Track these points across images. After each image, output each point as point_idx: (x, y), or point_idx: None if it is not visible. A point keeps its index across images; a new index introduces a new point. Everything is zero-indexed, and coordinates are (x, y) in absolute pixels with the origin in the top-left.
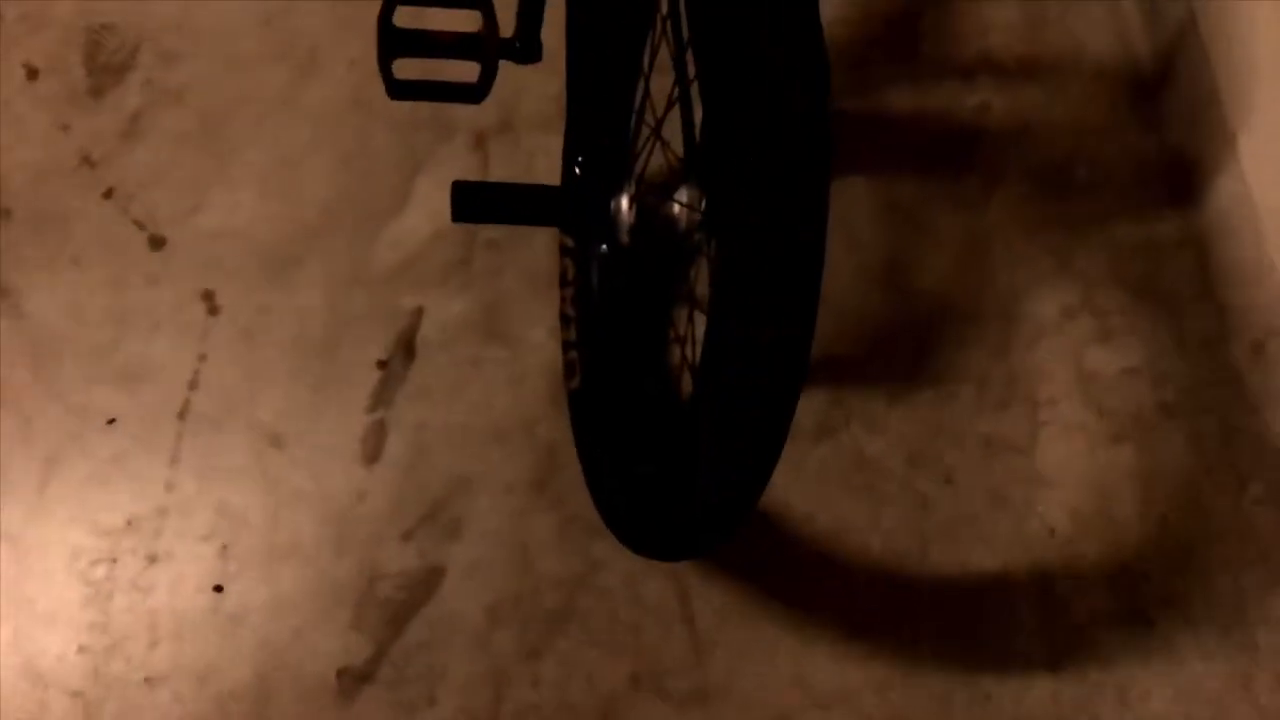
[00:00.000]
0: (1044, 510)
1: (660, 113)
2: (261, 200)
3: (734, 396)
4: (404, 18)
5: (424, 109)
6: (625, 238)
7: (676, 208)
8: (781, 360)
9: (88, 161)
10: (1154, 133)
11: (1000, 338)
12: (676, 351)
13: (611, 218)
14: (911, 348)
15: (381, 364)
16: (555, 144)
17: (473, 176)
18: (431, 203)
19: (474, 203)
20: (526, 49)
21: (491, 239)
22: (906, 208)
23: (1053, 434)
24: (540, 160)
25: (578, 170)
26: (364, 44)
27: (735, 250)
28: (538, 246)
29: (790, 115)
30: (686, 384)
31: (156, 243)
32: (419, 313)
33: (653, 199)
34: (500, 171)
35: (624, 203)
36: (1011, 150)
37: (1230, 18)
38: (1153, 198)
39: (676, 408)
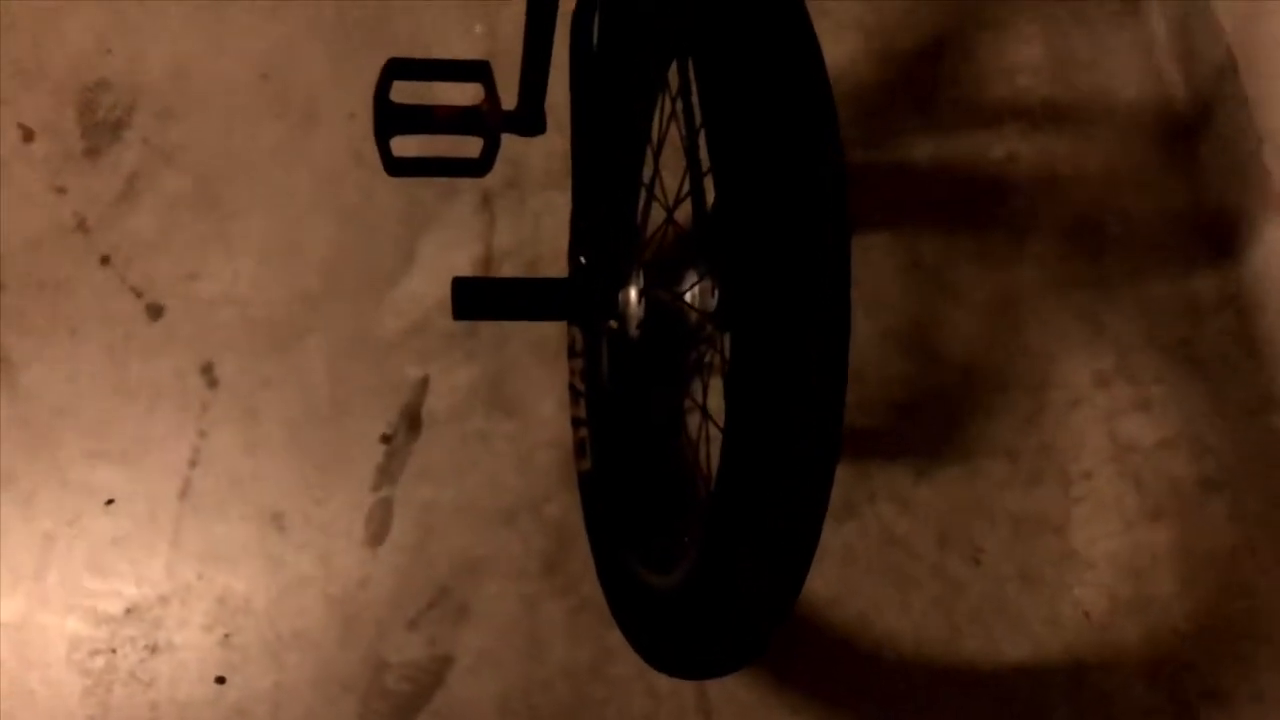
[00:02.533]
0: (1079, 592)
1: (666, 190)
2: (261, 265)
3: (756, 507)
4: (402, 91)
5: None
6: (635, 331)
7: (687, 298)
8: (807, 465)
9: (84, 226)
10: (1191, 184)
11: (1031, 407)
12: (693, 428)
13: (620, 311)
14: (938, 418)
15: (386, 438)
16: (562, 202)
17: (478, 237)
18: (436, 266)
19: (475, 300)
20: (530, 121)
21: None
22: (930, 266)
23: (1087, 510)
24: (547, 220)
25: (582, 262)
26: (365, 97)
27: (753, 346)
28: None
29: (808, 202)
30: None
31: (155, 311)
32: (424, 383)
33: (662, 292)
34: (507, 232)
35: (632, 295)
36: (1040, 203)
37: (1273, 63)
38: (1190, 254)
39: (694, 498)
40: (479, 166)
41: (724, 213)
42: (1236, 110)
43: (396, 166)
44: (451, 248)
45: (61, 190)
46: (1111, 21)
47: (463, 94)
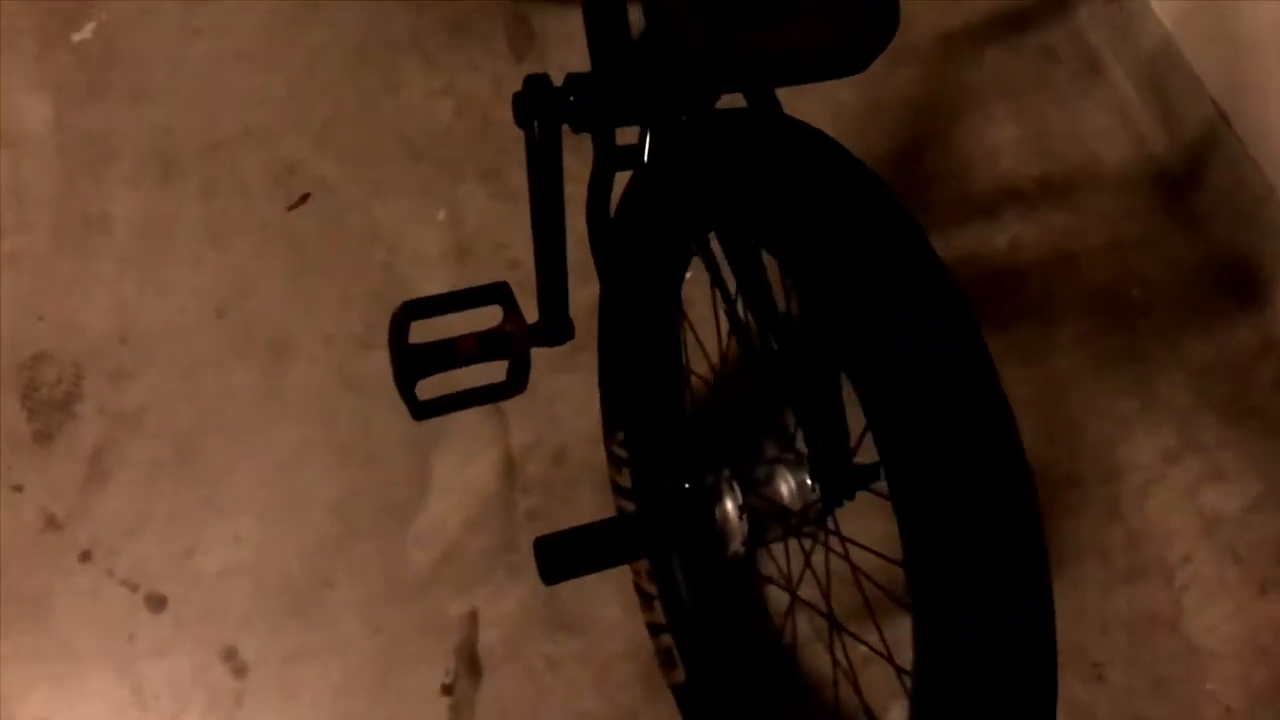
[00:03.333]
0: (1213, 687)
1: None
2: (264, 523)
3: None
4: (417, 330)
5: None
6: (739, 547)
7: (787, 493)
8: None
9: (53, 524)
10: (1198, 238)
11: (1108, 498)
12: (780, 601)
13: (720, 528)
14: None
15: (446, 689)
16: (577, 383)
17: (493, 441)
18: (455, 483)
19: (565, 559)
20: (556, 330)
21: (531, 509)
22: None
23: (1196, 597)
24: (561, 405)
25: (675, 488)
26: (335, 317)
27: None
28: (584, 502)
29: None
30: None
31: (156, 602)
32: (473, 617)
33: (762, 501)
34: (522, 428)
35: (730, 509)
36: (1058, 285)
37: (1269, 115)
38: (1218, 307)
39: (809, 698)
40: (512, 387)
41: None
42: (1237, 162)
43: (424, 410)
44: (467, 460)
45: (18, 489)
46: (1076, 87)
47: (477, 317)
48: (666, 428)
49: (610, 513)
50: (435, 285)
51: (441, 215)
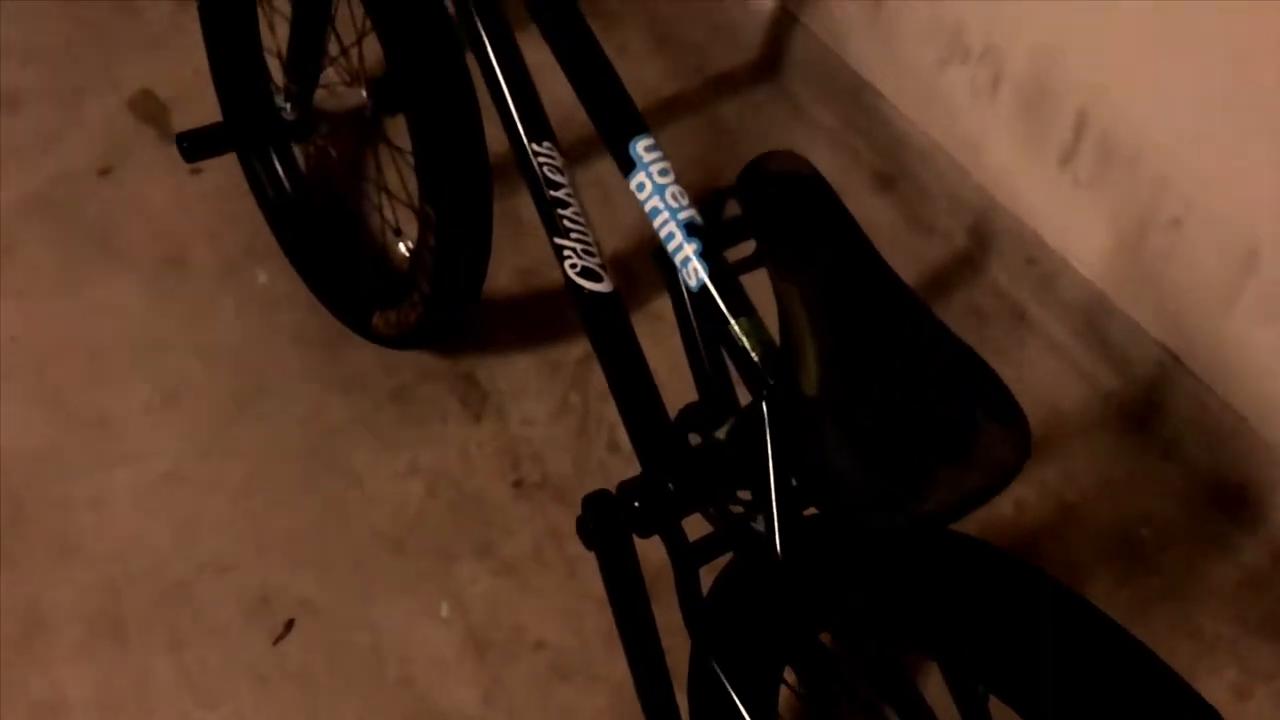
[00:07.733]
0: None
1: None
2: None
3: None
4: None
5: None
6: None
7: None
8: None
9: None
10: (1177, 463)
11: None
12: None
13: None
14: None
15: None
16: None
17: None
18: None
19: None
20: None
21: None
22: None
23: None
24: None
25: None
26: None
27: None
28: None
29: None
30: None
31: None
32: None
33: None
34: None
35: None
36: (1073, 540)
37: (1222, 355)
38: (1220, 530)
39: None
40: None
41: None
42: (1198, 394)
43: None
44: None
45: None
46: (1013, 340)
47: None
48: None
49: None
50: (464, 692)
51: (445, 610)
